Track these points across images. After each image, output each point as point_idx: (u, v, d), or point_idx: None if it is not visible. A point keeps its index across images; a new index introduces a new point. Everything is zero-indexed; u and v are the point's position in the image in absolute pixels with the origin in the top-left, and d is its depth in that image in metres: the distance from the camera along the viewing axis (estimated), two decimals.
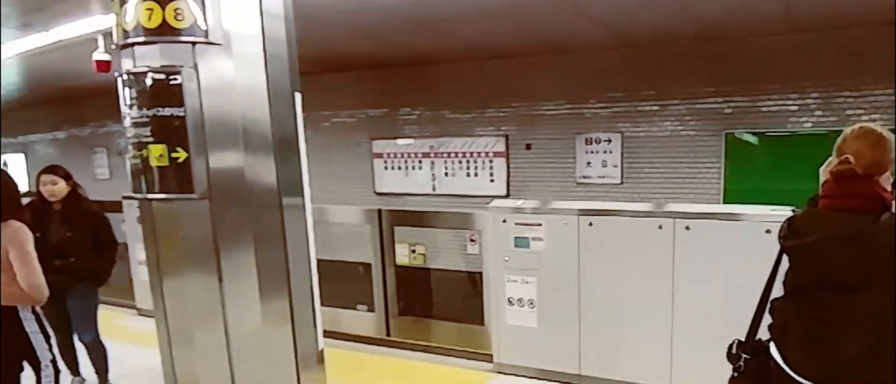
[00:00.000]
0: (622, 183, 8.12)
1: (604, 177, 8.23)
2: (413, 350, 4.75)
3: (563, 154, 8.41)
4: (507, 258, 4.20)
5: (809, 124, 6.97)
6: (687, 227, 3.71)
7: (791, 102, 7.06)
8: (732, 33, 6.86)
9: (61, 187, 3.85)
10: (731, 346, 2.34)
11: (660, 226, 3.79)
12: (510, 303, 4.23)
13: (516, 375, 4.21)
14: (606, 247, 3.96)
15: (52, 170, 3.91)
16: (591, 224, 3.99)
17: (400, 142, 9.59)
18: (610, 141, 8.14)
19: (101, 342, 4.12)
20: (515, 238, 4.18)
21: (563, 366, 4.14)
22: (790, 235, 2.20)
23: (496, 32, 6.93)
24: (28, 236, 2.97)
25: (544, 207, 4.22)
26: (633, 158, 8.04)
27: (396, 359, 4.57)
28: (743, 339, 2.32)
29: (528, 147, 8.66)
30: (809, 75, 6.86)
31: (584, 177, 8.38)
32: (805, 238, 2.12)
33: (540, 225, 4.13)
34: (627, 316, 3.92)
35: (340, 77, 9.39)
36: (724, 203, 7.27)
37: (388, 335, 5.10)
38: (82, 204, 3.97)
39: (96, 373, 4.12)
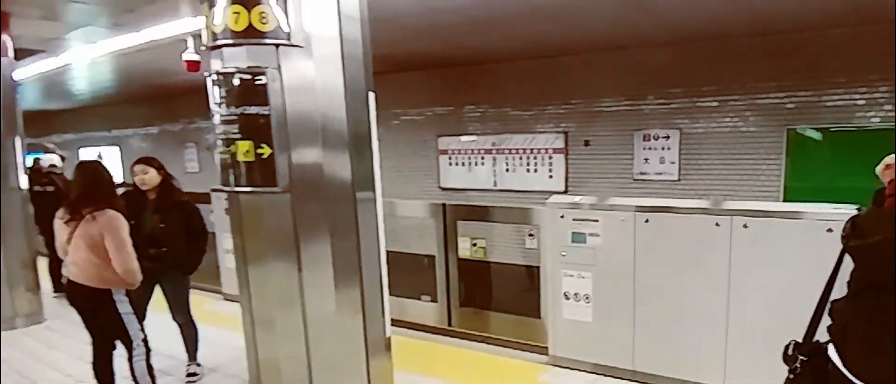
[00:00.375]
0: (679, 180, 7.95)
1: (661, 173, 8.08)
2: (472, 340, 4.82)
3: (620, 150, 8.32)
4: (564, 253, 4.21)
5: (877, 119, 6.66)
6: (745, 225, 3.63)
7: (858, 96, 6.75)
8: (796, 26, 6.62)
9: (152, 176, 3.95)
10: (787, 347, 2.27)
11: (717, 224, 3.72)
12: (566, 297, 4.24)
13: (570, 368, 4.22)
14: (662, 244, 3.92)
15: (145, 160, 4.02)
16: (647, 221, 3.95)
17: (464, 138, 9.72)
18: (668, 137, 8.00)
19: (193, 324, 4.25)
20: (573, 233, 4.18)
21: (616, 361, 4.12)
22: (854, 235, 2.11)
23: (558, 31, 6.91)
24: (123, 224, 3.15)
25: (601, 204, 4.20)
26: (691, 155, 7.87)
27: (456, 349, 4.65)
28: (800, 340, 2.27)
29: (587, 143, 8.61)
30: (878, 68, 6.55)
31: (641, 173, 8.26)
32: (869, 238, 2.04)
33: (597, 221, 4.12)
34: (683, 313, 3.87)
35: (410, 76, 9.55)
36: (785, 201, 7.03)
37: (450, 325, 5.19)
38: (175, 195, 4.06)
39: (186, 351, 4.28)
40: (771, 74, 7.15)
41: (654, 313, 3.99)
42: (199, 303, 5.96)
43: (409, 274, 5.04)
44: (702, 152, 7.74)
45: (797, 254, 3.42)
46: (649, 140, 8.08)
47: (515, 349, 4.61)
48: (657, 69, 7.84)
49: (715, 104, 7.57)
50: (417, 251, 5.51)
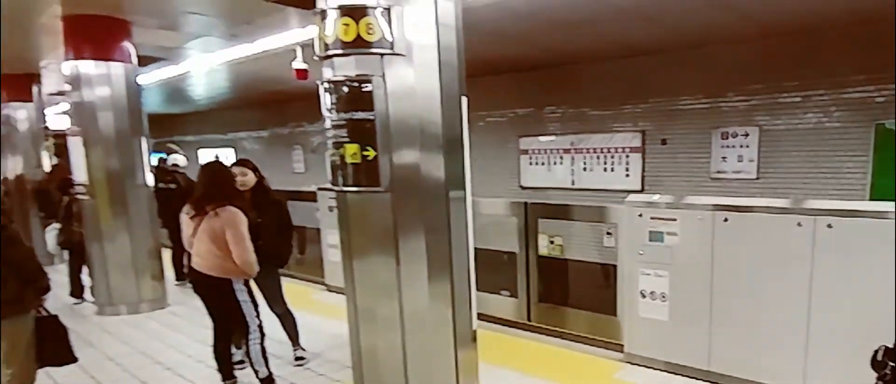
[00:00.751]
0: (758, 178, 7.61)
1: (739, 172, 7.78)
2: (549, 335, 4.83)
3: (697, 149, 8.06)
4: (641, 251, 4.18)
5: None
6: (829, 225, 3.47)
7: None
8: (888, 15, 6.21)
9: (250, 178, 4.12)
10: (876, 353, 2.18)
11: (799, 224, 3.57)
12: (643, 295, 4.21)
13: (646, 366, 4.20)
14: (741, 243, 3.81)
15: (242, 163, 4.21)
16: (726, 220, 3.86)
17: (543, 139, 9.70)
18: (747, 135, 7.68)
19: (290, 312, 4.39)
20: (650, 232, 4.14)
21: (692, 360, 4.06)
22: None
23: (638, 30, 6.77)
24: (242, 219, 3.35)
25: (679, 203, 4.14)
26: (770, 153, 7.50)
27: (534, 343, 4.67)
28: (890, 346, 2.20)
29: (664, 142, 8.41)
30: None
31: (718, 172, 7.98)
32: None
33: (675, 220, 4.06)
34: (762, 314, 3.77)
35: (494, 80, 9.64)
36: (871, 200, 6.66)
37: (529, 320, 5.25)
38: (269, 194, 4.24)
39: (289, 338, 4.43)
40: (859, 67, 6.71)
41: (731, 313, 3.91)
42: (305, 293, 6.31)
43: (489, 269, 5.07)
44: (782, 150, 7.37)
45: (885, 256, 3.28)
46: (727, 138, 7.79)
47: (591, 345, 4.63)
48: (737, 66, 7.50)
49: (797, 100, 7.21)
50: (497, 248, 5.59)
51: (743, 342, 3.86)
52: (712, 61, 7.69)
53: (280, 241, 4.18)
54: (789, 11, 6.00)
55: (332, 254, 6.19)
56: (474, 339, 3.21)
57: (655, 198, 4.33)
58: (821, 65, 6.92)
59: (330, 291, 6.30)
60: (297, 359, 4.33)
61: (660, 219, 4.11)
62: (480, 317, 4.59)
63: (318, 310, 5.66)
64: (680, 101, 8.13)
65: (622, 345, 4.37)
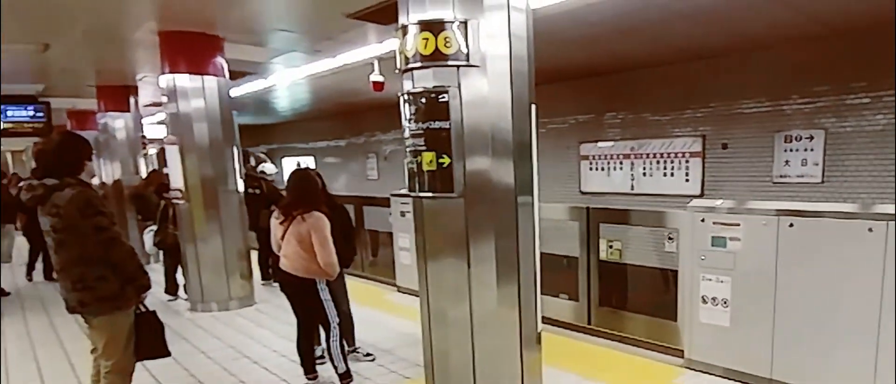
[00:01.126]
0: (823, 182, 7.19)
1: (803, 176, 7.38)
2: (609, 339, 4.72)
3: (759, 153, 7.68)
4: (703, 257, 4.04)
5: None
6: None
7: None
8: None
9: None
10: None
11: (870, 229, 3.37)
12: (704, 301, 4.05)
13: (706, 372, 4.05)
14: (807, 249, 3.60)
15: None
16: (791, 225, 3.67)
17: (603, 144, 9.56)
18: (812, 138, 7.26)
19: (350, 314, 4.42)
20: (712, 237, 3.99)
21: (754, 368, 3.87)
22: None
23: (703, 34, 6.54)
24: (326, 224, 3.46)
25: (742, 207, 3.97)
26: (837, 156, 7.07)
27: (593, 346, 4.58)
28: None
29: (725, 146, 8.08)
30: None
31: (781, 176, 7.57)
32: None
33: (738, 225, 3.90)
34: (828, 322, 3.55)
35: (557, 87, 9.55)
36: None
37: (590, 323, 5.15)
38: (333, 198, 4.27)
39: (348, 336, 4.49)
40: None
41: (796, 321, 3.71)
42: (379, 293, 6.41)
43: (549, 273, 4.99)
44: (849, 153, 6.91)
45: None
46: (791, 141, 7.39)
47: (650, 350, 4.49)
48: (802, 67, 7.10)
49: (866, 101, 6.73)
50: (557, 252, 5.48)
51: (808, 350, 3.65)
52: (776, 63, 7.31)
53: (344, 244, 4.20)
54: (857, 10, 5.63)
55: (404, 257, 6.23)
56: (539, 342, 3.16)
57: (718, 202, 4.17)
58: (890, 65, 6.47)
59: (401, 292, 6.34)
60: (366, 354, 4.39)
61: (722, 224, 3.95)
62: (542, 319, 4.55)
63: (390, 309, 5.71)
64: (741, 105, 7.78)
65: (682, 351, 4.23)
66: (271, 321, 5.49)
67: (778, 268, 3.74)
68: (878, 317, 3.37)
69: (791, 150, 7.41)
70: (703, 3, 5.33)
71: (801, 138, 7.31)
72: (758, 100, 7.62)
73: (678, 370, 4.10)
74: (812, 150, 7.22)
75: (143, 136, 9.51)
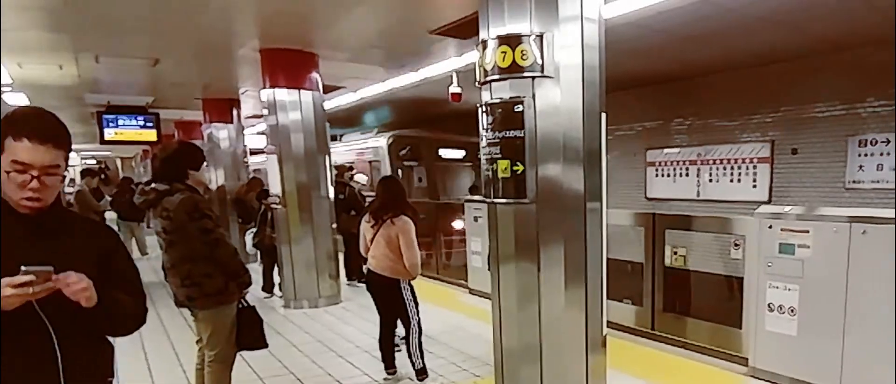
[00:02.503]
0: None
1: (878, 181, 6.46)
2: (672, 344, 4.33)
3: (831, 158, 6.80)
4: (770, 264, 3.62)
5: None
6: None
7: None
8: None
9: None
10: None
11: None
12: (770, 309, 3.63)
13: (771, 382, 3.61)
14: (881, 257, 3.14)
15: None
16: (864, 232, 3.20)
17: (669, 150, 8.92)
18: (888, 142, 6.33)
19: None
20: (780, 244, 3.57)
21: (821, 378, 3.42)
22: None
23: (778, 38, 5.94)
24: (412, 228, 3.39)
25: (812, 214, 3.53)
26: None
27: (656, 351, 4.23)
28: None
29: (795, 152, 7.23)
30: None
31: (854, 181, 6.68)
32: None
33: (807, 232, 3.46)
34: None
35: (624, 95, 8.96)
36: None
37: (653, 328, 4.79)
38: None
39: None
40: None
41: (866, 332, 3.23)
42: (453, 295, 6.23)
43: (614, 278, 4.66)
44: None
45: None
46: (865, 146, 6.52)
47: (714, 357, 4.08)
48: (880, 69, 6.19)
49: None
50: (622, 257, 5.13)
51: (879, 362, 3.17)
52: (851, 66, 6.47)
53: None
54: None
55: (475, 260, 6.03)
56: (604, 345, 2.92)
57: (787, 209, 3.73)
58: None
59: (472, 294, 6.12)
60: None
61: (791, 231, 3.52)
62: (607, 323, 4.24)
63: (462, 310, 5.54)
64: (813, 109, 6.94)
65: (746, 359, 3.80)
66: (356, 318, 5.43)
67: (849, 276, 3.27)
68: None
69: (866, 155, 6.54)
70: (783, 6, 4.82)
71: (876, 142, 6.43)
72: (831, 103, 6.78)
73: (742, 378, 3.69)
74: (888, 154, 6.33)
75: (245, 146, 9.61)
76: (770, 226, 3.61)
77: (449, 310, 5.46)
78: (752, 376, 3.70)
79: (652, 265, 4.81)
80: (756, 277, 3.73)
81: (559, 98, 2.39)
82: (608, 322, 3.58)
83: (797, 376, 3.55)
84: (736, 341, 4.16)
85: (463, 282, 6.46)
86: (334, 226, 6.14)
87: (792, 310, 3.57)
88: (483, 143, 2.47)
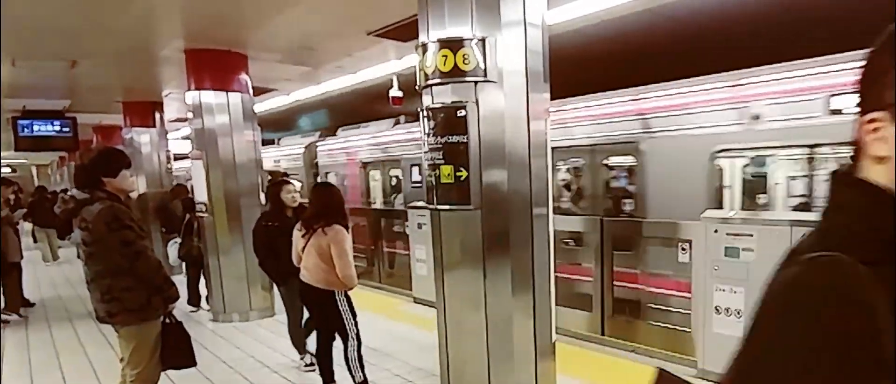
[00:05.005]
0: None
1: None
2: (622, 349, 4.56)
3: None
4: (716, 267, 3.95)
5: None
6: None
7: None
8: None
9: (298, 196, 4.25)
10: None
11: None
12: (717, 311, 3.96)
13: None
14: None
15: (289, 181, 4.37)
16: (804, 235, 3.58)
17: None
18: None
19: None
20: (726, 248, 3.86)
21: None
22: None
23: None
24: (346, 237, 3.41)
25: (756, 218, 3.90)
26: None
27: (606, 356, 4.42)
28: None
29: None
30: None
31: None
32: None
33: (751, 235, 3.81)
34: None
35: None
36: None
37: (603, 334, 5.15)
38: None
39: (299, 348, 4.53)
40: None
41: None
42: (395, 304, 6.30)
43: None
44: None
45: None
46: None
47: (664, 360, 4.40)
48: None
49: None
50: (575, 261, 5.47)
51: None
52: None
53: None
54: None
55: (419, 268, 6.17)
56: (553, 351, 3.12)
57: (732, 213, 4.10)
58: None
59: (417, 303, 6.26)
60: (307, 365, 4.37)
61: (736, 234, 3.88)
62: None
63: (407, 320, 5.66)
64: None
65: (696, 361, 4.13)
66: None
67: None
68: None
69: None
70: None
71: None
72: None
73: (692, 381, 3.99)
74: None
75: (169, 151, 9.51)
76: (716, 231, 3.96)
77: (393, 321, 5.55)
78: (701, 378, 4.02)
79: (600, 271, 5.11)
80: (703, 281, 4.07)
81: (503, 103, 2.56)
82: (558, 328, 3.79)
83: None
84: (686, 344, 4.50)
85: (407, 291, 6.60)
86: None
87: (738, 313, 3.91)
88: (425, 148, 2.60)
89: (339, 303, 3.43)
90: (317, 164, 10.73)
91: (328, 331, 3.62)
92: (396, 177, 9.48)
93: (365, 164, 9.65)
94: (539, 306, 2.95)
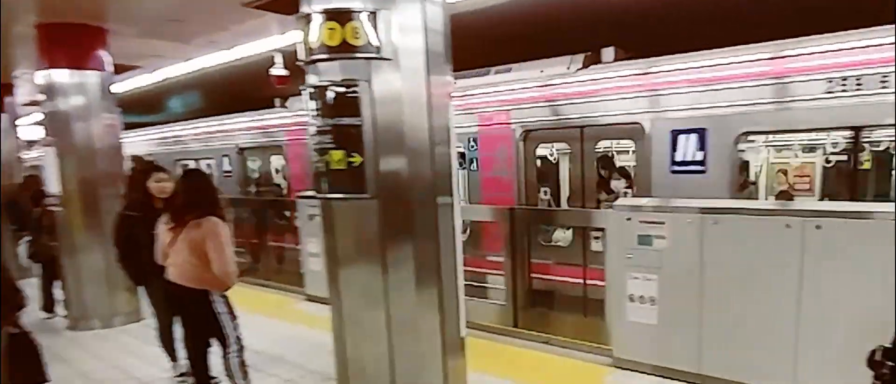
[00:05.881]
0: None
1: None
2: (537, 341, 4.82)
3: None
4: (630, 255, 4.22)
5: None
6: (818, 227, 3.57)
7: None
8: None
9: (169, 185, 4.01)
10: (873, 352, 2.22)
11: (788, 225, 3.66)
12: (631, 299, 4.24)
13: (635, 370, 4.20)
14: (730, 246, 3.86)
15: (161, 169, 4.17)
16: (715, 222, 3.93)
17: None
18: None
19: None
20: (639, 236, 4.14)
21: (682, 363, 3.98)
22: None
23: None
24: (224, 230, 3.29)
25: (668, 206, 4.20)
26: None
27: (520, 349, 4.65)
28: (889, 346, 2.24)
29: None
30: None
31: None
32: None
33: (663, 223, 4.11)
34: (751, 316, 3.76)
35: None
36: None
37: (517, 326, 5.36)
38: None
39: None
40: None
41: (722, 316, 3.94)
42: (285, 303, 6.24)
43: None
44: None
45: (876, 256, 3.34)
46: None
47: (580, 350, 4.65)
48: None
49: None
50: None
51: (733, 344, 3.91)
52: None
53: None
54: None
55: (313, 264, 6.14)
56: (463, 347, 3.22)
57: (644, 201, 4.39)
58: None
59: (310, 301, 6.24)
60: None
61: (648, 222, 4.16)
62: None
63: (299, 319, 5.63)
64: None
65: (611, 350, 4.41)
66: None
67: (704, 265, 3.96)
68: (798, 308, 3.65)
69: None
70: None
71: None
72: None
73: (607, 369, 4.27)
74: None
75: (18, 138, 9.10)
76: (629, 219, 4.23)
77: (283, 321, 5.53)
78: (616, 366, 4.31)
79: (512, 260, 5.31)
80: (617, 269, 4.34)
81: (400, 83, 2.60)
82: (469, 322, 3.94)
83: (659, 363, 4.19)
84: (603, 333, 4.79)
85: (299, 288, 6.55)
86: None
87: (652, 300, 4.21)
88: (311, 130, 2.58)
89: (214, 304, 3.33)
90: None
91: (203, 337, 3.50)
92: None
93: (242, 150, 9.30)
94: (446, 300, 3.03)
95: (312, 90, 2.55)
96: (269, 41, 6.26)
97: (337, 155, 2.53)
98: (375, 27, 2.49)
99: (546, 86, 6.03)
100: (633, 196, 5.81)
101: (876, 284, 3.18)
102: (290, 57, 6.46)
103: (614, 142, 7.15)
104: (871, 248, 3.38)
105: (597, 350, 4.61)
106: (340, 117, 2.50)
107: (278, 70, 6.89)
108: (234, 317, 3.43)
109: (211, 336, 3.46)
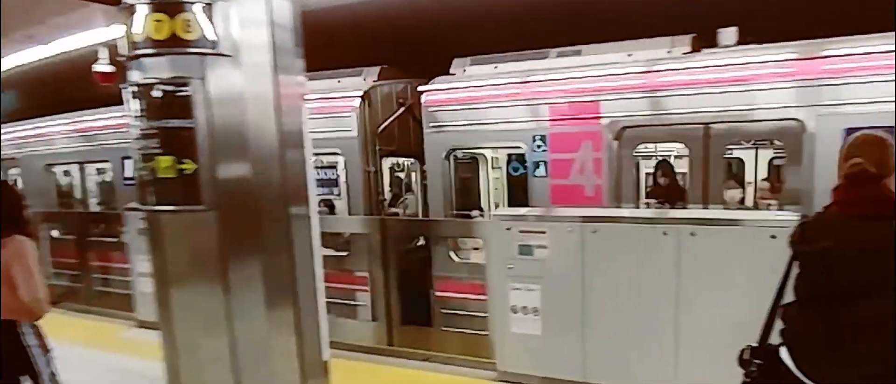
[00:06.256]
0: None
1: None
2: (415, 358, 4.82)
3: None
4: (511, 266, 4.27)
5: None
6: (692, 234, 3.79)
7: None
8: None
9: None
10: (742, 352, 2.38)
11: (664, 233, 3.87)
12: (514, 310, 4.29)
13: (520, 383, 4.28)
14: (610, 254, 4.03)
15: None
16: (595, 231, 4.06)
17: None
18: None
19: None
20: (520, 246, 4.23)
21: (567, 373, 4.11)
22: (802, 241, 2.25)
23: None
24: (33, 250, 3.01)
25: (548, 215, 4.31)
26: None
27: (397, 369, 4.65)
28: (755, 345, 2.40)
29: None
30: None
31: None
32: (818, 244, 2.18)
33: (544, 232, 4.21)
34: (633, 322, 3.95)
35: None
36: None
37: (391, 344, 5.21)
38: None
39: None
40: None
41: (604, 323, 4.08)
42: (112, 331, 5.88)
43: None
44: None
45: (745, 261, 3.58)
46: None
47: (461, 366, 4.65)
48: None
49: None
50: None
51: (616, 350, 4.06)
52: None
53: None
54: None
55: (144, 285, 5.80)
56: (326, 371, 3.08)
57: (523, 211, 4.47)
58: None
59: (143, 327, 5.90)
60: None
61: (529, 232, 4.23)
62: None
63: (127, 349, 5.31)
64: None
65: (494, 363, 4.43)
66: None
67: (585, 273, 4.08)
68: (676, 313, 3.84)
69: None
70: None
71: None
72: None
73: None
74: None
75: None
76: (508, 229, 4.28)
77: (108, 352, 5.22)
78: (501, 380, 4.33)
79: (384, 276, 5.25)
80: (498, 280, 4.38)
81: (242, 82, 2.44)
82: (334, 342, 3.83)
83: (545, 374, 4.27)
84: (486, 347, 4.82)
85: (129, 313, 6.25)
86: None
87: (535, 311, 4.28)
88: (135, 133, 2.38)
89: (24, 336, 3.00)
90: None
91: (10, 374, 3.14)
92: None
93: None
94: (305, 321, 2.88)
95: (135, 88, 2.34)
96: (92, 34, 5.92)
97: (165, 161, 2.33)
98: (211, 20, 2.33)
99: (649, 73, 5.08)
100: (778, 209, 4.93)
101: (746, 288, 3.39)
102: (114, 51, 6.15)
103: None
104: (740, 254, 3.62)
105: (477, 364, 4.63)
106: (168, 119, 2.31)
107: (103, 66, 6.38)
108: (47, 350, 3.11)
109: (20, 374, 3.11)
